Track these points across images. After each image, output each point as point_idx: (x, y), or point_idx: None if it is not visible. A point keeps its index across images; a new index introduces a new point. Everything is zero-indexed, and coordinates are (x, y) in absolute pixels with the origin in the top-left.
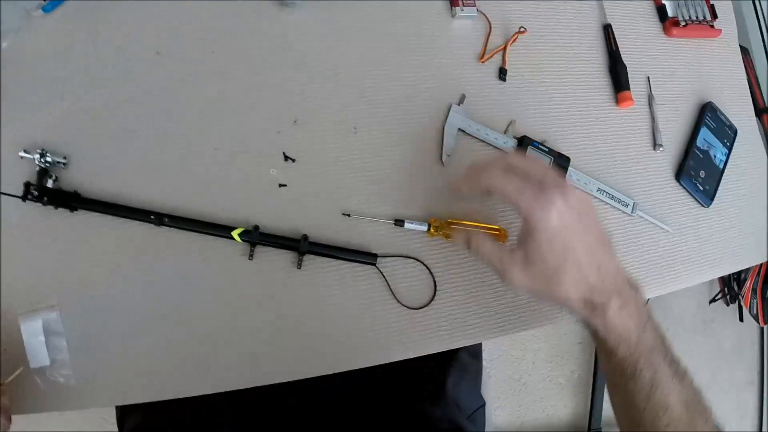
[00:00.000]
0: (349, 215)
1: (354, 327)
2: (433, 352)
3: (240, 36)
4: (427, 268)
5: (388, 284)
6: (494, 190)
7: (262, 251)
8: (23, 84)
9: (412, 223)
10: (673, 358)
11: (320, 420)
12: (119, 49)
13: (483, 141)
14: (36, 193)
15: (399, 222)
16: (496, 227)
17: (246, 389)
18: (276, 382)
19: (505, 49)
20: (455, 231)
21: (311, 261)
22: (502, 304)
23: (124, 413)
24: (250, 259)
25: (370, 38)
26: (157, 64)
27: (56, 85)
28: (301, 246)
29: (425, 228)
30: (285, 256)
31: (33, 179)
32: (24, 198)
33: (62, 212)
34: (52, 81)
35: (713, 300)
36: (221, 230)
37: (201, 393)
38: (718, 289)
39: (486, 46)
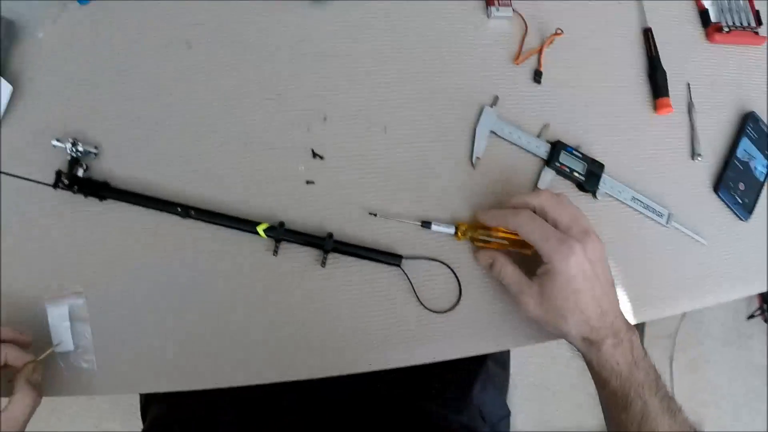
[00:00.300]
0: (375, 215)
1: (375, 328)
2: (456, 357)
3: (271, 32)
4: (453, 271)
5: (413, 286)
6: (521, 234)
7: (286, 248)
8: (57, 73)
9: (439, 226)
10: (666, 394)
11: (332, 422)
12: (151, 41)
13: (515, 144)
14: (67, 182)
15: (426, 224)
16: None
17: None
18: (294, 379)
19: (541, 50)
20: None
21: (335, 259)
22: None
23: (147, 403)
24: (274, 255)
25: (403, 37)
26: (187, 57)
27: (89, 75)
28: (325, 244)
29: (452, 231)
30: (309, 254)
31: (64, 168)
32: (55, 186)
33: (91, 201)
34: (85, 71)
35: (751, 316)
36: (247, 225)
37: (218, 386)
38: (756, 305)
39: (521, 47)
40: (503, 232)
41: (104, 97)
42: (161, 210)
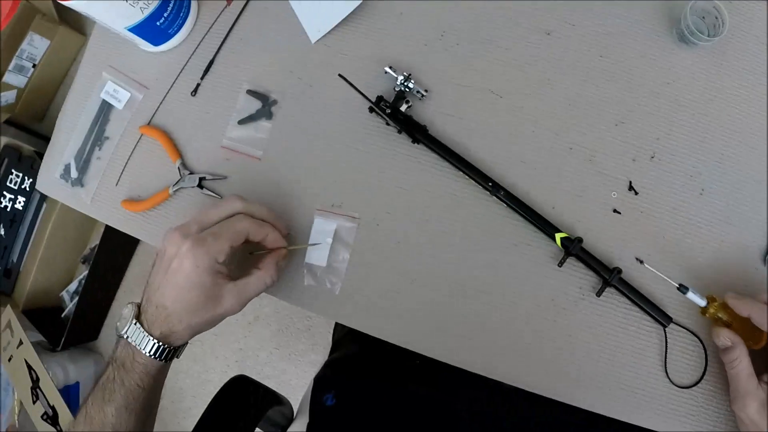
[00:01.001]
0: (642, 261)
1: (614, 372)
2: None
3: (630, 56)
4: (705, 350)
5: (666, 352)
6: None
7: (571, 263)
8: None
9: (694, 294)
10: None
11: None
12: (511, 19)
13: None
14: (387, 111)
15: (683, 288)
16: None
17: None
18: (498, 379)
19: None
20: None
21: (609, 294)
22: None
23: (341, 340)
24: (559, 266)
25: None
26: (543, 44)
27: (438, 25)
28: (610, 277)
29: (703, 303)
30: (589, 279)
31: (388, 97)
32: (371, 109)
33: (402, 139)
34: (438, 19)
35: None
36: (547, 227)
37: (430, 355)
38: None
39: None
40: (743, 320)
41: (450, 49)
42: (469, 176)
